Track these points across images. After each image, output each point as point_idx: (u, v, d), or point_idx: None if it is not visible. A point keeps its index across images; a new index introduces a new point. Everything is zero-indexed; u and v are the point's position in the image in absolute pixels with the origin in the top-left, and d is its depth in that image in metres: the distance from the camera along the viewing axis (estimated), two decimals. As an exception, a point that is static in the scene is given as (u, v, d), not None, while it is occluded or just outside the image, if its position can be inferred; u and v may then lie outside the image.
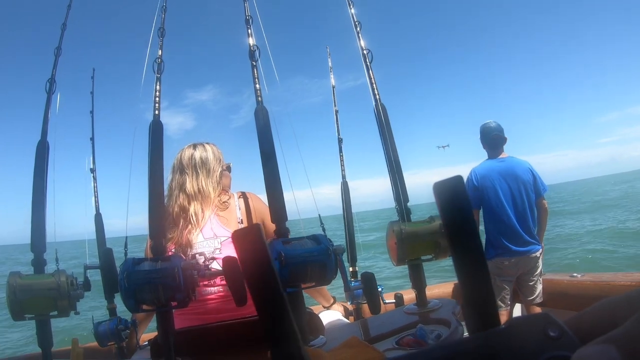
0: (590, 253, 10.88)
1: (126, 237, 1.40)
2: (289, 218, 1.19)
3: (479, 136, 3.70)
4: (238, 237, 0.39)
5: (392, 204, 1.43)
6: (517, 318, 0.36)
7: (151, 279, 1.10)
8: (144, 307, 1.15)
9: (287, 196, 1.20)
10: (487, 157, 3.69)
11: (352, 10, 1.76)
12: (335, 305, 2.02)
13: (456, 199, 0.38)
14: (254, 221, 1.74)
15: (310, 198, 1.41)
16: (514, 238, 3.40)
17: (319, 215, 1.35)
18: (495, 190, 3.44)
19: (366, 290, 1.23)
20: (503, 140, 3.63)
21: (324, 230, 1.27)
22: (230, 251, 1.62)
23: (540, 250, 3.46)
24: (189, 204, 1.72)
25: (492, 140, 3.62)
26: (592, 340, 0.29)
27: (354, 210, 2.40)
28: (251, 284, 0.39)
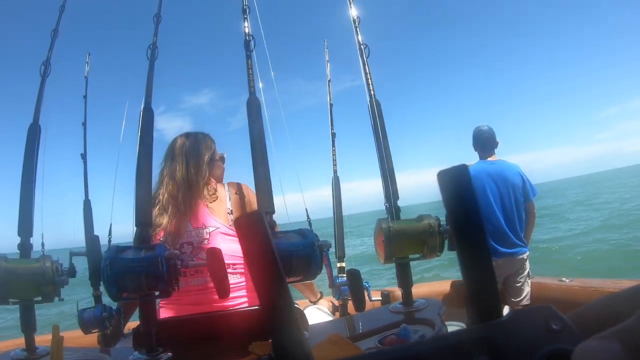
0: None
1: (110, 224, 1.39)
2: (280, 222, 1.19)
3: (472, 140, 3.72)
4: (241, 225, 0.38)
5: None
6: (519, 310, 0.35)
7: (134, 267, 1.09)
8: (127, 295, 1.14)
9: (277, 200, 1.20)
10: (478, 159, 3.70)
11: (352, 6, 1.75)
12: (322, 301, 2.01)
13: (461, 188, 0.37)
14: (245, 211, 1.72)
15: (303, 202, 1.40)
16: (501, 239, 3.41)
17: (306, 209, 1.35)
18: (485, 191, 3.45)
19: (352, 287, 1.23)
20: (494, 143, 3.66)
21: (310, 224, 1.27)
22: (219, 242, 1.61)
23: (527, 252, 3.48)
24: (178, 192, 1.70)
25: (483, 142, 3.65)
26: (594, 334, 0.29)
27: (350, 212, 2.40)
28: (254, 273, 0.38)
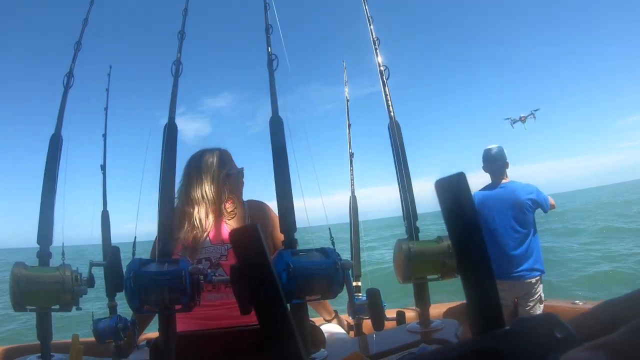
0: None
1: (135, 237, 1.40)
2: (298, 226, 1.19)
3: (482, 163, 3.70)
4: (236, 238, 0.39)
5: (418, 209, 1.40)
6: (523, 319, 0.35)
7: (157, 281, 1.10)
8: (148, 308, 1.15)
9: (297, 203, 1.20)
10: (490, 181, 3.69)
11: (372, 27, 1.77)
12: (336, 319, 2.00)
13: (459, 197, 0.36)
14: (264, 230, 1.71)
15: (324, 206, 1.40)
16: (508, 264, 3.38)
17: (329, 229, 1.35)
18: (492, 216, 3.43)
19: (371, 306, 1.23)
20: (504, 164, 3.64)
21: (333, 244, 1.27)
22: None
23: (539, 276, 3.43)
24: (193, 209, 1.71)
25: (493, 165, 3.64)
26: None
27: (372, 217, 2.39)
28: (253, 292, 0.39)
